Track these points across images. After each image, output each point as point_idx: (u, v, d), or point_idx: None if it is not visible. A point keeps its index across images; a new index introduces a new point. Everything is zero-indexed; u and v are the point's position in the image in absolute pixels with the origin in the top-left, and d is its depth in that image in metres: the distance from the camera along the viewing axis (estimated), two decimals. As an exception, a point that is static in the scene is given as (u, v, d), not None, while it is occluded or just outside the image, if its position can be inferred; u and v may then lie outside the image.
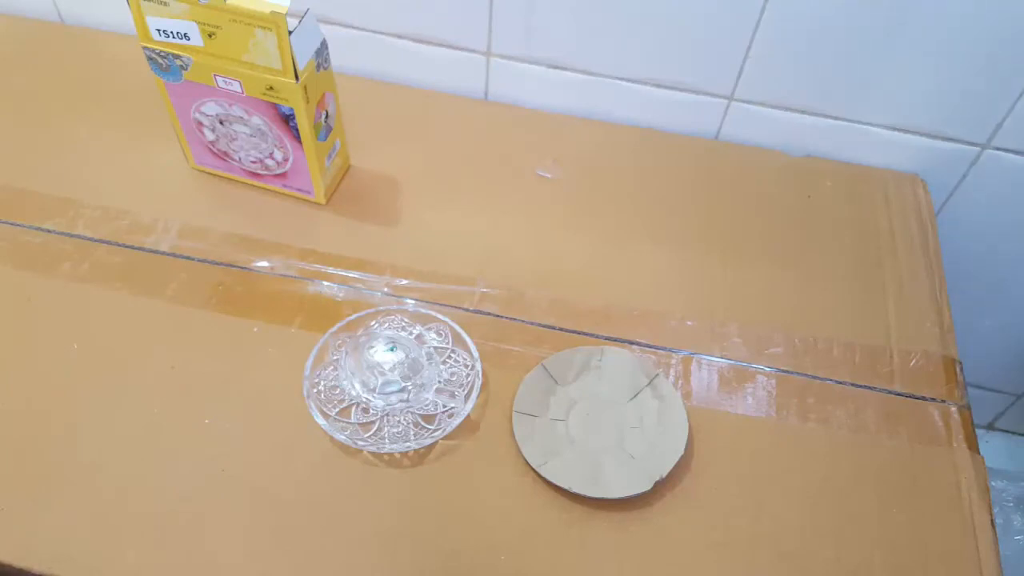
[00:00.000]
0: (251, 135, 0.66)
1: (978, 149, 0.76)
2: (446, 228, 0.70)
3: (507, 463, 0.56)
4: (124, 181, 0.71)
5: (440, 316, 0.61)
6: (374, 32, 0.80)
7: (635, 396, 0.60)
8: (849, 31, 0.70)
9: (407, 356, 0.57)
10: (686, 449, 0.56)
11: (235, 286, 0.64)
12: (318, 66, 0.62)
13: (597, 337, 0.63)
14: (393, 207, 0.71)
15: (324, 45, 0.62)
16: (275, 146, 0.66)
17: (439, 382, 0.58)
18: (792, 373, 0.62)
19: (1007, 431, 1.14)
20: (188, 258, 0.66)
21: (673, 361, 0.62)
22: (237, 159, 0.69)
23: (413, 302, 0.64)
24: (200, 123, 0.67)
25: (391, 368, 0.56)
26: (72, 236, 0.66)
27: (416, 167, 0.74)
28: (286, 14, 0.56)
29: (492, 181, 0.74)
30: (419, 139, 0.77)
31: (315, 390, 0.58)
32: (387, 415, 0.57)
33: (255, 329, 0.61)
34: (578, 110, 0.81)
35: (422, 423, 0.57)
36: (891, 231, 0.73)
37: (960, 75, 0.71)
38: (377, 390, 0.56)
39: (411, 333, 0.61)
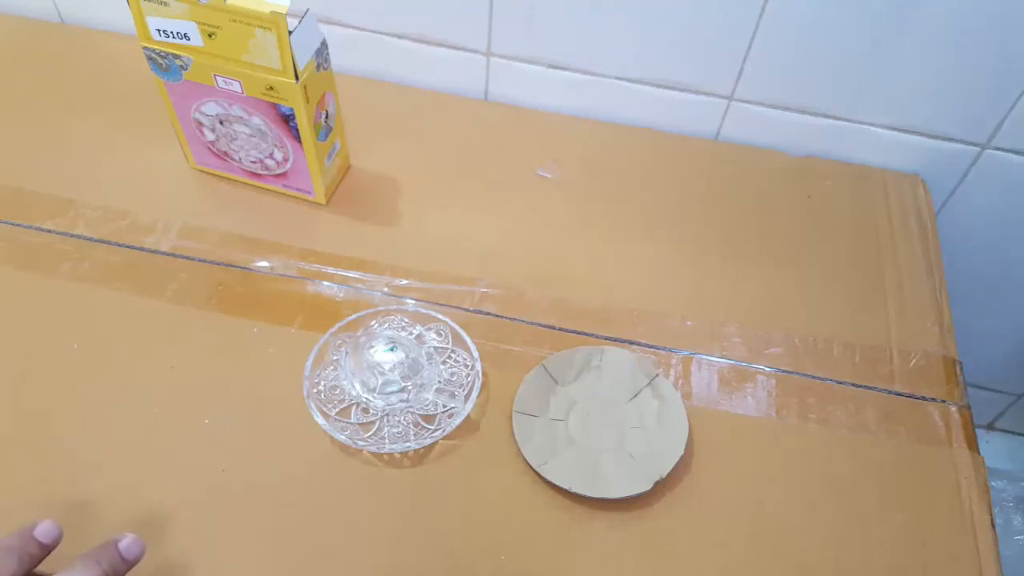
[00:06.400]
0: (251, 135, 0.66)
1: (978, 149, 0.76)
2: (446, 228, 0.70)
3: (507, 463, 0.56)
4: (124, 181, 0.71)
5: (440, 316, 0.61)
6: (374, 32, 0.80)
7: (635, 396, 0.60)
8: (849, 31, 0.70)
9: (407, 356, 0.56)
10: (686, 449, 0.56)
11: (235, 286, 0.64)
12: (318, 66, 0.62)
13: (597, 337, 0.63)
14: (393, 207, 0.71)
15: (324, 45, 0.62)
16: (275, 146, 0.66)
17: (439, 382, 0.58)
18: (792, 373, 0.62)
19: (1007, 431, 1.14)
20: (188, 258, 0.66)
21: (673, 361, 0.62)
22: (237, 159, 0.69)
23: (413, 302, 0.64)
24: (200, 123, 0.67)
25: (391, 368, 0.56)
26: (72, 236, 0.66)
27: (416, 167, 0.74)
28: (286, 14, 0.56)
29: (492, 181, 0.74)
30: (419, 139, 0.77)
31: (315, 390, 0.58)
32: (387, 415, 0.57)
33: (255, 329, 0.61)
34: (578, 110, 0.81)
35: (422, 423, 0.57)
36: (891, 231, 0.73)
37: (960, 75, 0.71)
38: (377, 390, 0.56)
39: (411, 333, 0.61)
